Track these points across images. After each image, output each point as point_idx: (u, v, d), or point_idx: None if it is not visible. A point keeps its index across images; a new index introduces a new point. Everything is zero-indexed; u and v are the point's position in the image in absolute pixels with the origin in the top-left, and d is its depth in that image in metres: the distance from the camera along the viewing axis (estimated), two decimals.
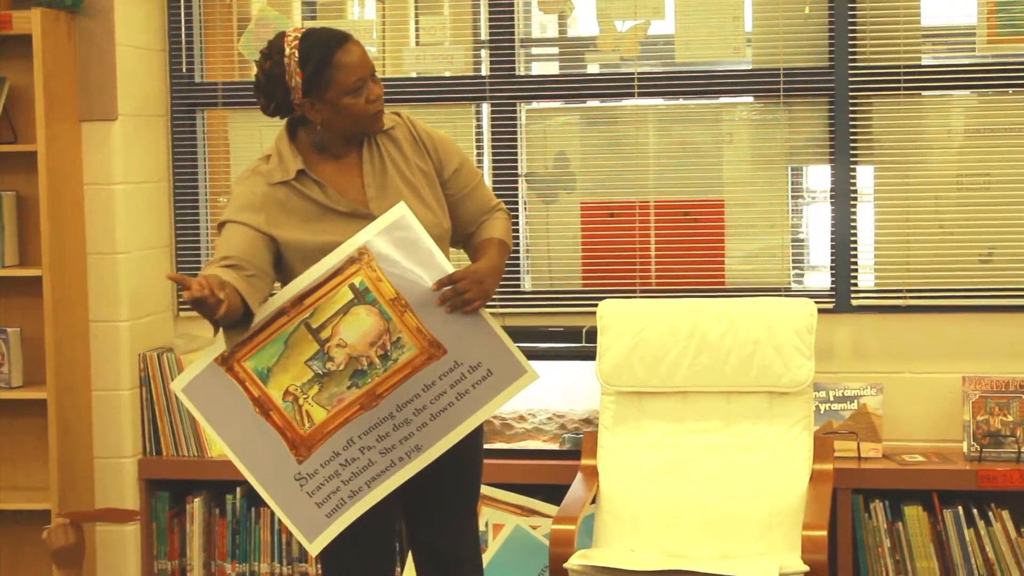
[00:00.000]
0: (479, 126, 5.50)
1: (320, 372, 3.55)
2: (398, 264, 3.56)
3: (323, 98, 3.61)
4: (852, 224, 5.25)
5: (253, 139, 5.62)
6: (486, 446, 3.94)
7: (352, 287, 3.55)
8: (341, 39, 3.64)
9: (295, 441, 3.57)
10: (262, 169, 3.67)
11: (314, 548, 3.63)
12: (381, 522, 3.71)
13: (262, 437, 3.59)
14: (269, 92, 3.65)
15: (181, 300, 5.59)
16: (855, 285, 5.27)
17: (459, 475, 3.80)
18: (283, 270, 3.67)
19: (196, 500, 5.36)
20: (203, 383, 3.61)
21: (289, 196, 3.63)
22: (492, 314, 3.70)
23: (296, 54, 3.60)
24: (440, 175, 3.75)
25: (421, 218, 3.63)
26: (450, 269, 3.60)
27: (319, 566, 5.25)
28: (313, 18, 5.59)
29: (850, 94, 5.21)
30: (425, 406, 3.57)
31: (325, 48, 3.61)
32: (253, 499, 5.33)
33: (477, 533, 3.93)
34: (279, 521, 5.28)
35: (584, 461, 4.82)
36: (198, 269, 5.57)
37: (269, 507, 3.64)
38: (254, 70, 5.52)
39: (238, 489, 5.34)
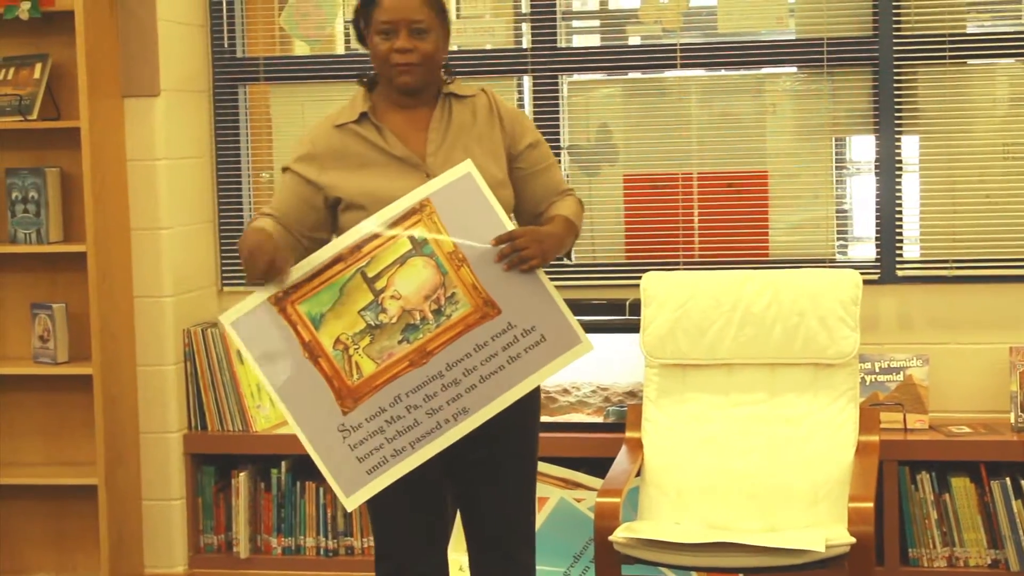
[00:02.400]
0: (521, 99, 5.48)
1: (372, 323, 3.54)
2: (459, 219, 3.54)
3: (367, 33, 3.69)
4: (897, 194, 5.22)
5: (295, 114, 5.63)
6: None
7: (411, 238, 3.53)
8: None
9: (342, 391, 3.55)
10: (332, 114, 3.75)
11: (350, 503, 3.59)
12: (433, 488, 3.72)
13: (309, 382, 3.56)
14: (355, 24, 3.76)
15: (225, 275, 5.62)
16: (900, 256, 5.24)
17: (516, 449, 3.79)
18: (335, 222, 3.69)
19: (241, 474, 5.38)
20: (253, 320, 3.58)
21: (349, 139, 3.68)
22: None
23: None
24: (511, 149, 3.74)
25: (483, 174, 3.62)
26: (511, 227, 3.59)
27: (364, 540, 5.27)
28: None
29: (895, 63, 5.17)
30: (475, 367, 3.54)
31: None
32: (298, 473, 5.34)
33: (533, 509, 3.90)
34: (325, 495, 5.30)
35: (628, 434, 4.81)
36: None
37: (310, 457, 3.61)
38: (295, 45, 5.59)
39: (283, 463, 5.36)
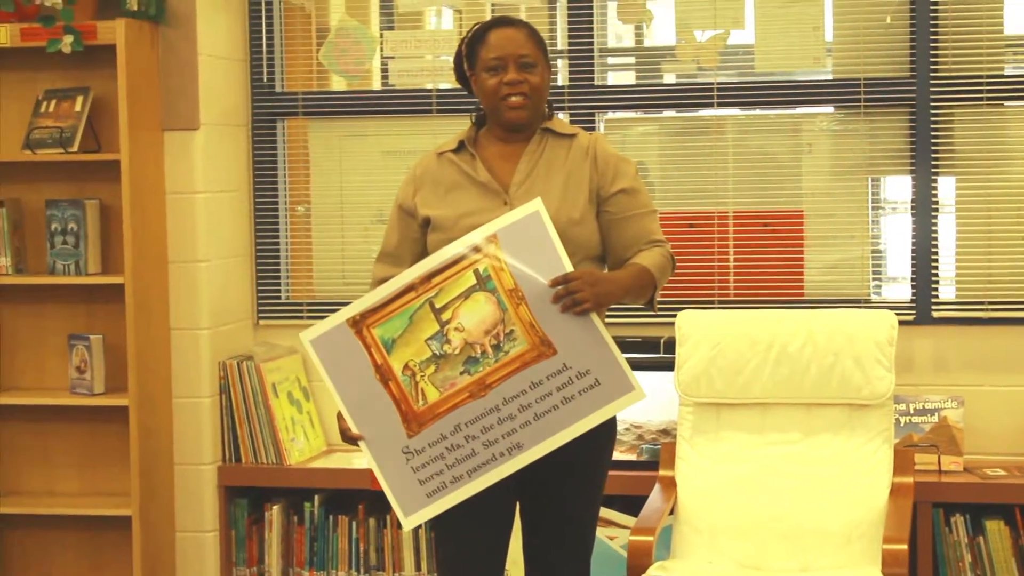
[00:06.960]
0: None
1: (437, 353, 3.63)
2: (522, 256, 3.61)
3: (474, 71, 3.82)
4: (933, 235, 5.22)
5: (333, 148, 5.66)
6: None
7: (476, 272, 3.62)
8: (501, 21, 3.84)
9: (408, 415, 3.65)
10: (438, 144, 3.92)
11: (408, 523, 3.70)
12: (503, 512, 3.83)
13: (379, 403, 3.67)
14: (456, 64, 3.91)
15: (261, 308, 5.64)
16: (936, 297, 5.23)
17: (584, 483, 3.86)
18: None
19: (275, 507, 5.39)
20: (331, 339, 3.71)
21: (445, 165, 3.83)
22: None
23: (469, 32, 3.87)
24: (601, 191, 3.79)
25: (559, 213, 3.69)
26: (570, 268, 3.63)
27: (396, 575, 5.27)
28: (391, 28, 5.61)
29: (931, 104, 5.17)
30: (530, 404, 3.61)
31: (485, 26, 3.84)
32: (331, 507, 5.35)
33: (591, 544, 3.93)
34: (357, 529, 5.30)
35: (662, 472, 4.80)
36: (278, 278, 5.63)
37: (374, 473, 3.72)
38: (334, 80, 5.63)
39: (316, 497, 5.37)
